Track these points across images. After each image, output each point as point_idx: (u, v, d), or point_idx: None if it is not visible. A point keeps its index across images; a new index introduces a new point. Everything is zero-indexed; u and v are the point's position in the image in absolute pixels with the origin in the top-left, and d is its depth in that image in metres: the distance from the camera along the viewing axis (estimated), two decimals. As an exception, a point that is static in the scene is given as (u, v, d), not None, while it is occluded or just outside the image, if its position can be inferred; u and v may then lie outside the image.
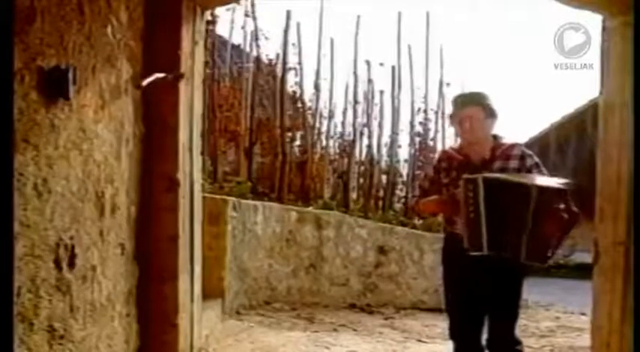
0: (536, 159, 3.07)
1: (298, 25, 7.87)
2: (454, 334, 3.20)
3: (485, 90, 3.20)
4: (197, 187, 3.27)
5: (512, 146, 3.09)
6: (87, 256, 2.38)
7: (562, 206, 2.87)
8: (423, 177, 3.69)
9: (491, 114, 3.09)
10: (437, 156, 3.48)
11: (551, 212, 2.84)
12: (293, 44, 7.91)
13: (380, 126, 8.57)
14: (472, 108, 3.06)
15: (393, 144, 8.71)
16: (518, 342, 3.11)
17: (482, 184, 2.79)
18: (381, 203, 8.42)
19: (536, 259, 2.91)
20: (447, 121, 7.77)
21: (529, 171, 3.00)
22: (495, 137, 3.11)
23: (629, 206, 2.72)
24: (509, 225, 2.82)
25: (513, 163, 3.02)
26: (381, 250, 7.04)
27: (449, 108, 4.47)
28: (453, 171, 3.06)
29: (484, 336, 3.15)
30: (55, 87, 2.07)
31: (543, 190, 2.83)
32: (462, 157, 3.11)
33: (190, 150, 3.16)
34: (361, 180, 8.61)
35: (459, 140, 3.49)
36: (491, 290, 3.04)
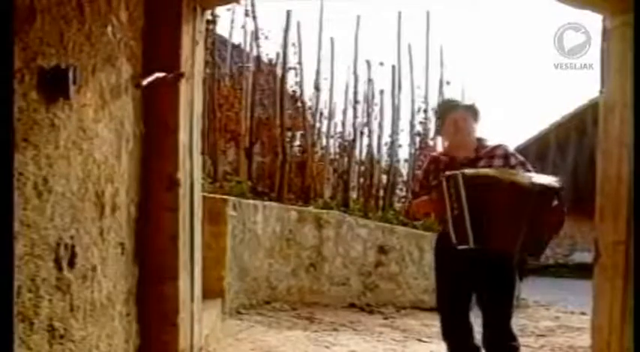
0: (521, 158, 3.17)
1: (298, 24, 7.88)
2: (446, 333, 3.23)
3: (483, 90, 3.35)
4: (197, 187, 3.27)
5: (497, 146, 3.20)
6: (87, 256, 2.38)
7: (555, 202, 2.94)
8: (415, 181, 3.84)
9: (477, 117, 3.25)
10: (426, 160, 3.61)
11: (546, 208, 2.92)
12: (293, 44, 7.92)
13: (380, 125, 8.58)
14: (462, 111, 3.23)
15: (393, 143, 8.71)
16: (514, 338, 3.13)
17: (461, 180, 2.87)
18: (381, 203, 8.42)
19: (533, 252, 3.04)
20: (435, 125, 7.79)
21: (513, 168, 3.08)
22: (479, 139, 3.24)
23: (630, 205, 2.72)
24: (499, 218, 2.87)
25: (497, 162, 3.12)
26: (381, 250, 7.04)
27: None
28: (440, 173, 3.13)
29: (478, 335, 3.16)
30: (55, 86, 2.07)
31: (535, 187, 2.91)
32: (448, 159, 3.22)
33: (190, 149, 3.16)
34: (361, 180, 8.61)
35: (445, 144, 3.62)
36: (484, 287, 3.10)
